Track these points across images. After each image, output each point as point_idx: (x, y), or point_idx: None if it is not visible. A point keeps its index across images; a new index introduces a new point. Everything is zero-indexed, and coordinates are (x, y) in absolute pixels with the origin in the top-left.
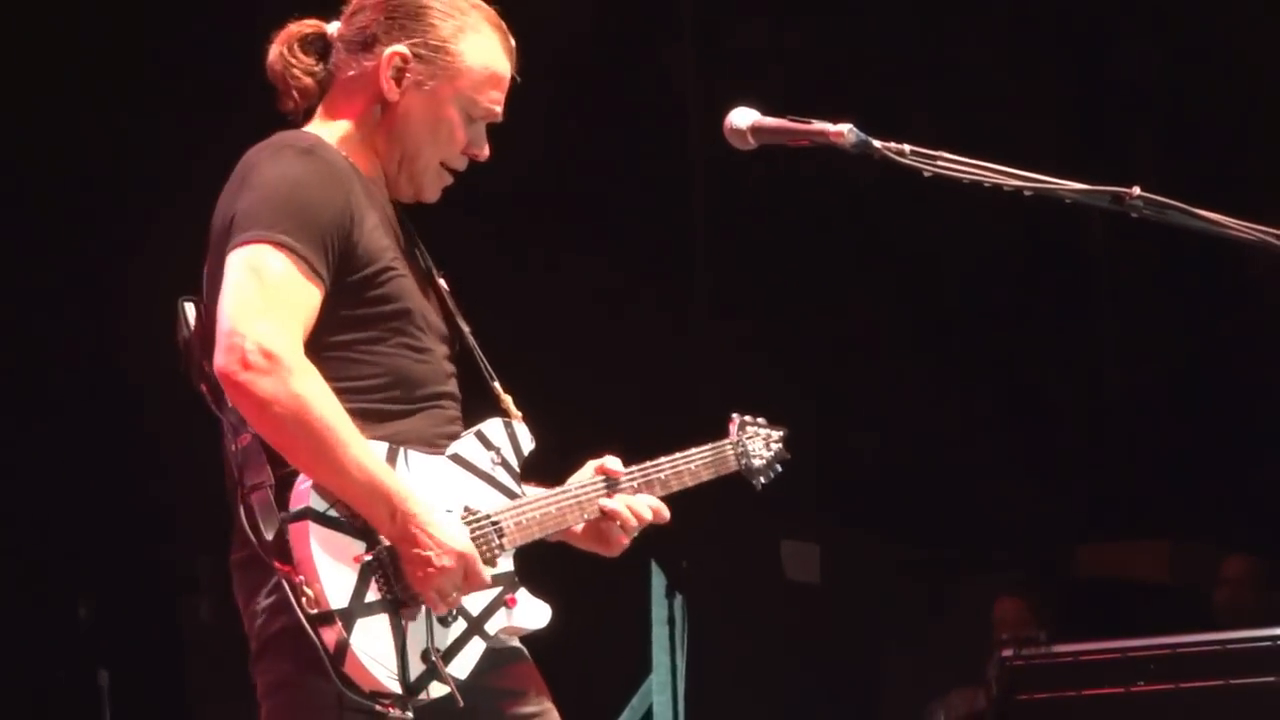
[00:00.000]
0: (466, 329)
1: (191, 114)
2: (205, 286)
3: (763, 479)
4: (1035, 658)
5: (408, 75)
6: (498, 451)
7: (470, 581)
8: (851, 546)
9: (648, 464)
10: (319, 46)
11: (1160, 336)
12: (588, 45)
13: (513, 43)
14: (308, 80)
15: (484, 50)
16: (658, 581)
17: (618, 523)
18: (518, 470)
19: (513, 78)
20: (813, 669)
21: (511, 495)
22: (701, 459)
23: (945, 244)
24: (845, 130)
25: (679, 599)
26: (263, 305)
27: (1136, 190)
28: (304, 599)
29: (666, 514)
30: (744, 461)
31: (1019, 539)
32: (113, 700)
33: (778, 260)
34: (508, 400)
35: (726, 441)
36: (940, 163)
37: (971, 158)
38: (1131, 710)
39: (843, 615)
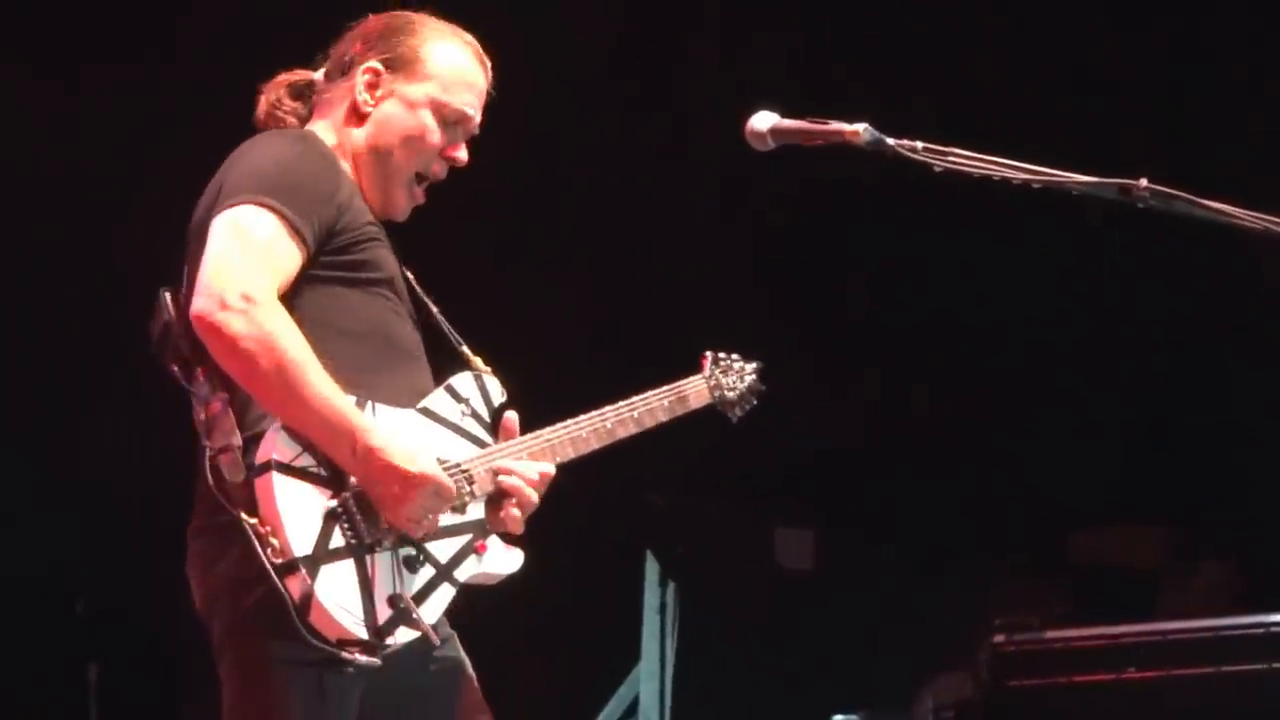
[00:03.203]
0: (435, 308)
1: (174, 104)
2: (185, 276)
3: (738, 410)
4: (1026, 644)
5: (381, 85)
6: (467, 403)
7: (443, 498)
8: (845, 533)
9: (606, 408)
10: (307, 94)
11: (1157, 320)
12: (613, 45)
13: (488, 62)
14: (293, 120)
15: (452, 56)
16: (651, 569)
17: (513, 499)
18: (489, 421)
19: (489, 93)
20: (804, 656)
21: (481, 444)
22: (674, 394)
23: (940, 229)
24: (860, 129)
25: (671, 586)
26: (243, 256)
27: (1144, 182)
28: (269, 549)
29: (551, 473)
30: (717, 394)
31: (1013, 524)
32: (99, 695)
33: (777, 246)
34: (477, 360)
35: (697, 376)
36: (950, 158)
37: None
38: (1122, 697)
39: (835, 602)
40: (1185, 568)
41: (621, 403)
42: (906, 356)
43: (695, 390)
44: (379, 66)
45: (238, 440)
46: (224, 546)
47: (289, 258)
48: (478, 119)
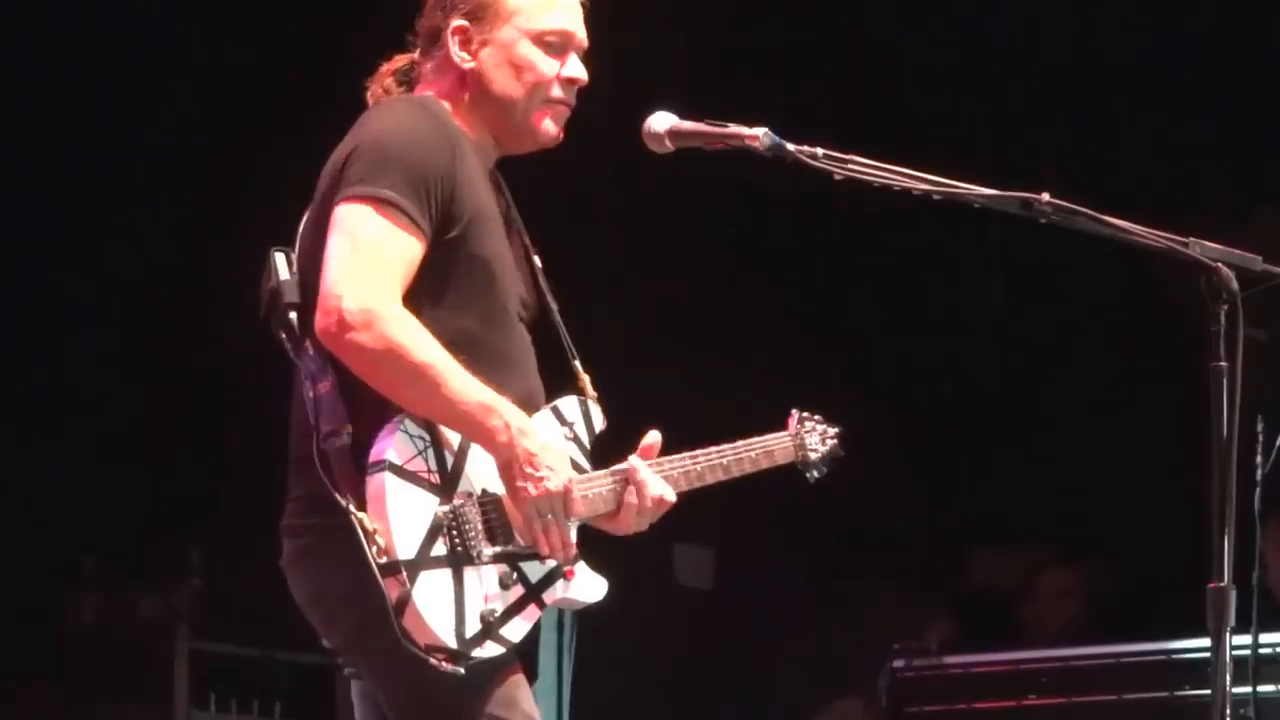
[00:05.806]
0: (554, 306)
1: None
2: (303, 233)
3: (816, 472)
4: (925, 669)
5: (473, 40)
6: (570, 427)
7: (569, 507)
8: (745, 552)
9: (697, 452)
10: (412, 75)
11: (1054, 342)
12: None
13: None
14: None
15: None
16: None
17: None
18: (588, 447)
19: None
20: (703, 676)
21: (580, 470)
22: (762, 448)
23: (840, 248)
24: (760, 134)
25: None
26: (360, 265)
27: (1045, 196)
28: (375, 548)
29: (671, 499)
30: (801, 454)
31: (912, 545)
32: None
33: (672, 257)
34: (585, 379)
35: (786, 433)
36: (851, 166)
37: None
38: None
39: (735, 622)
40: (1027, 581)
41: (711, 449)
42: (807, 373)
43: (781, 447)
44: (465, 23)
45: (346, 429)
46: (340, 550)
47: (408, 254)
48: (581, 32)
